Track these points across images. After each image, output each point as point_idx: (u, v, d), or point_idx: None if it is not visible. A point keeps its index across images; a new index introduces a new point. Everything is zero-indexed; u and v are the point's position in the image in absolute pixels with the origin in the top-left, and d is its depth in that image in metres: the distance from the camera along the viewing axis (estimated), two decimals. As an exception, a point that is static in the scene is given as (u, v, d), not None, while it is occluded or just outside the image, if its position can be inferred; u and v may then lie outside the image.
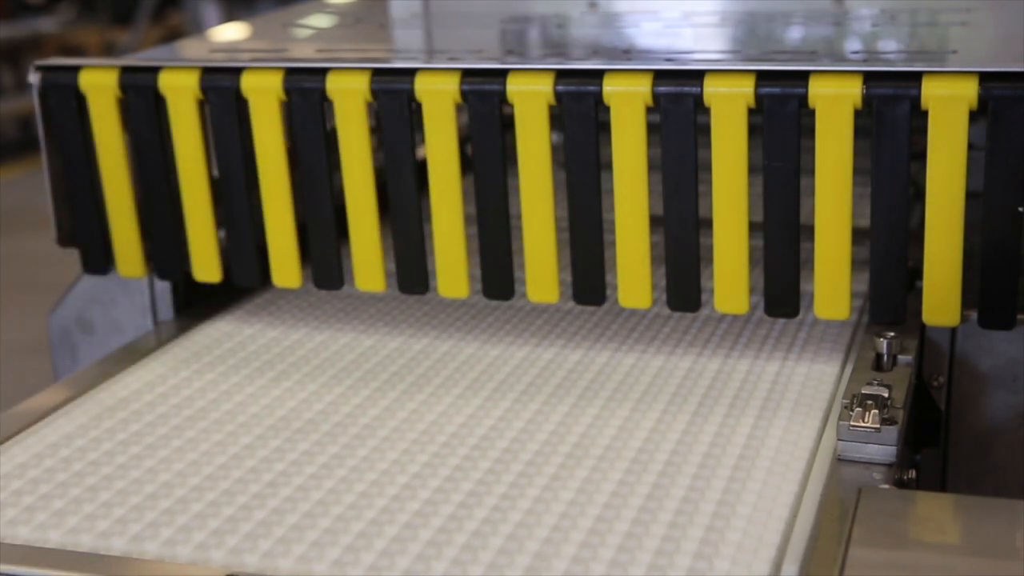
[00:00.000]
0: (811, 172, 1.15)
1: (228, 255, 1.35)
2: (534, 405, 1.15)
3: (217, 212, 1.33)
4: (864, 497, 0.91)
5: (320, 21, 1.85)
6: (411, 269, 1.29)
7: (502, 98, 1.20)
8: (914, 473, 1.06)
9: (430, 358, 1.27)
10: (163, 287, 1.41)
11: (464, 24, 1.73)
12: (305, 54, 1.45)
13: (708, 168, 1.17)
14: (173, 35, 6.58)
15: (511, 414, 1.13)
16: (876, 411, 0.99)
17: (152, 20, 7.09)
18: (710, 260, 1.20)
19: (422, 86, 1.22)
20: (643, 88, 1.16)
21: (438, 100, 1.22)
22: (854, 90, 1.12)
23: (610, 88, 1.17)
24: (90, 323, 1.43)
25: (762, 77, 1.15)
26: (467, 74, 1.21)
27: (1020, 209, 1.12)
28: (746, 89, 1.14)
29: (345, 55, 1.40)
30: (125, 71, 1.31)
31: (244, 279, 1.35)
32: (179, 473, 1.02)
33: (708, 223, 1.19)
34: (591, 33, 1.64)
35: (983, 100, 1.10)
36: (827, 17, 1.67)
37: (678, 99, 1.16)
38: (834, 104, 1.13)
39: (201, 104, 1.29)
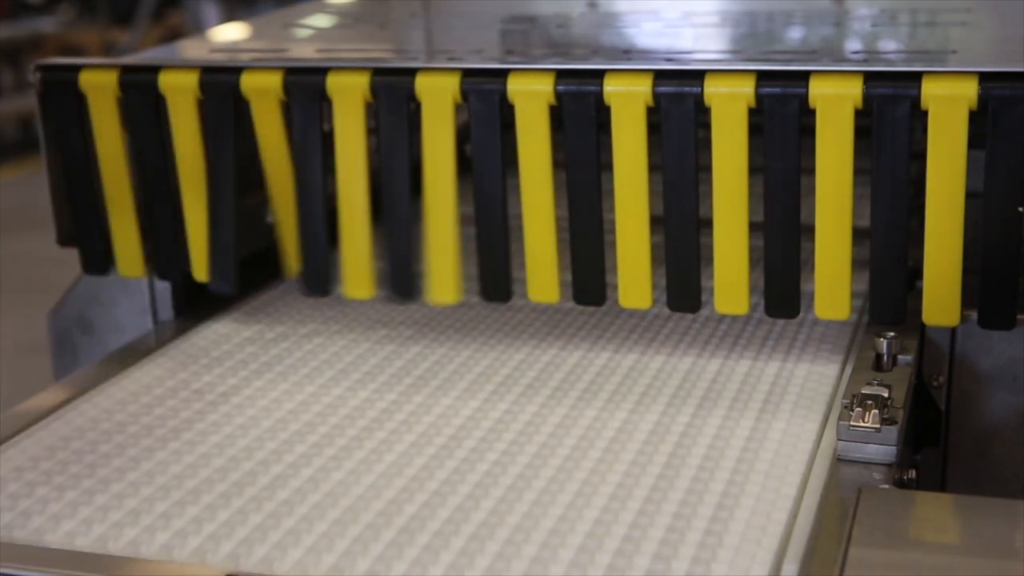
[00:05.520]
0: (811, 172, 1.16)
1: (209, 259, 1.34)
2: (533, 405, 1.15)
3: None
4: (864, 497, 0.91)
5: (320, 21, 1.85)
6: (403, 273, 1.28)
7: (502, 98, 1.20)
8: (914, 473, 1.06)
9: (429, 359, 1.27)
10: (163, 287, 1.40)
11: (464, 24, 1.73)
12: (305, 54, 1.45)
13: (708, 168, 1.17)
14: (173, 35, 6.58)
15: (510, 415, 1.13)
16: (876, 411, 0.99)
17: (152, 20, 7.09)
18: (710, 260, 1.20)
19: (422, 86, 1.22)
20: (643, 88, 1.16)
21: (438, 100, 1.22)
22: (854, 90, 1.12)
23: (610, 88, 1.17)
24: (90, 323, 1.43)
25: (762, 77, 1.15)
26: (467, 74, 1.21)
27: (1020, 209, 1.12)
28: (746, 89, 1.14)
29: (345, 55, 1.40)
30: (125, 71, 1.31)
31: (220, 285, 1.34)
32: (178, 475, 1.02)
33: (708, 223, 1.19)
34: (591, 33, 1.64)
35: (983, 100, 1.10)
36: (827, 17, 1.68)
37: (678, 99, 1.16)
38: (834, 104, 1.13)
39: (201, 104, 1.29)
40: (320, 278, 1.31)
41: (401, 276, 1.28)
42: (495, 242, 1.25)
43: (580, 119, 1.19)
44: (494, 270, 1.26)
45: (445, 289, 1.27)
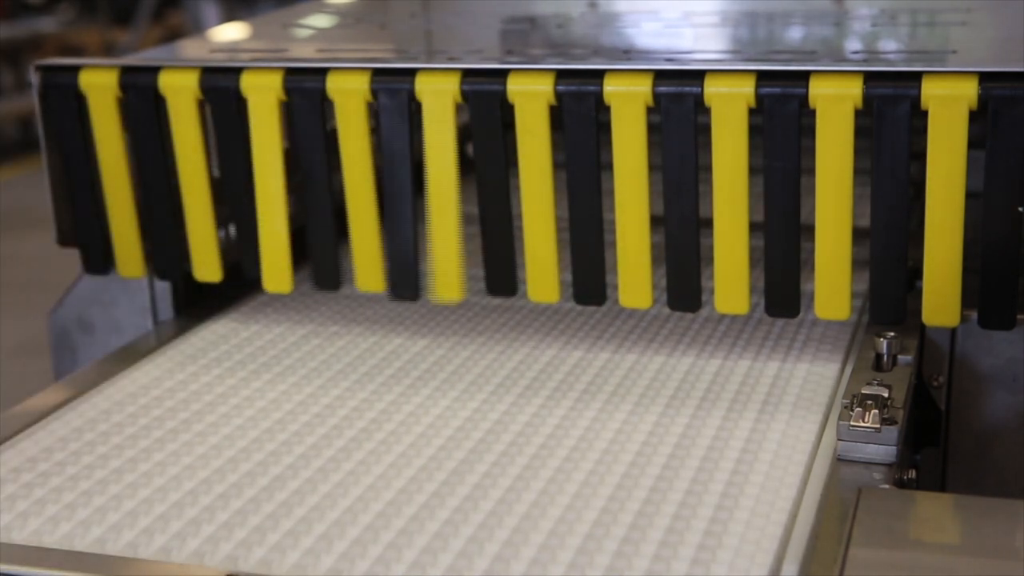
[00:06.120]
0: (811, 172, 1.15)
1: (236, 253, 1.34)
2: (533, 406, 1.14)
3: (217, 212, 1.33)
4: (864, 497, 0.91)
5: (320, 21, 1.85)
6: (404, 274, 1.28)
7: (502, 98, 1.20)
8: (914, 473, 1.06)
9: (429, 359, 1.27)
10: (163, 287, 1.40)
11: (464, 24, 1.72)
12: (305, 54, 1.45)
13: (708, 168, 1.17)
14: (173, 35, 6.59)
15: (509, 416, 1.13)
16: (876, 411, 0.99)
17: (152, 20, 7.09)
18: (710, 260, 1.20)
19: (423, 86, 1.22)
20: (643, 88, 1.16)
21: (439, 100, 1.22)
22: (854, 90, 1.12)
23: (611, 88, 1.17)
24: (90, 323, 1.43)
25: (763, 77, 1.15)
26: (467, 74, 1.21)
27: (1020, 209, 1.12)
28: (746, 89, 1.14)
29: (345, 55, 1.40)
30: (125, 71, 1.31)
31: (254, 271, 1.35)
32: (176, 477, 1.02)
33: (708, 223, 1.19)
34: (591, 33, 1.64)
35: (983, 100, 1.10)
36: (827, 17, 1.67)
37: (679, 99, 1.16)
38: (834, 104, 1.13)
39: (201, 104, 1.29)
40: (330, 273, 1.31)
41: (404, 275, 1.28)
42: (500, 239, 1.25)
43: (580, 119, 1.19)
44: (500, 266, 1.26)
45: (450, 287, 1.27)
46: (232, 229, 1.37)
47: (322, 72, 1.25)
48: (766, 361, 1.23)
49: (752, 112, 1.15)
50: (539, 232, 1.24)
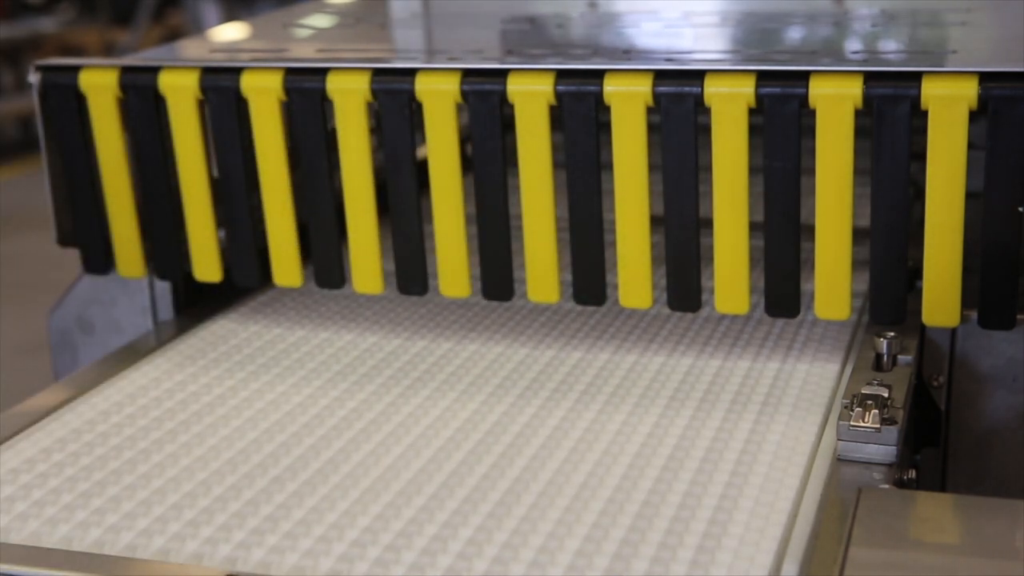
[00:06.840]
0: (811, 172, 1.15)
1: (228, 255, 1.35)
2: (533, 406, 1.14)
3: (217, 212, 1.33)
4: (864, 497, 0.91)
5: (320, 21, 1.85)
6: (410, 270, 1.29)
7: (502, 98, 1.20)
8: (914, 473, 1.05)
9: (429, 359, 1.27)
10: (163, 287, 1.40)
11: (464, 24, 1.72)
12: (305, 54, 1.45)
13: (708, 168, 1.17)
14: (173, 35, 6.59)
15: (508, 416, 1.12)
16: (876, 411, 0.99)
17: (152, 20, 7.09)
18: (710, 260, 1.20)
19: (423, 86, 1.22)
20: (643, 88, 1.16)
21: (439, 100, 1.22)
22: (854, 90, 1.12)
23: (610, 88, 1.17)
24: (90, 323, 1.43)
25: (762, 77, 1.14)
26: (467, 74, 1.21)
27: (1020, 209, 1.12)
28: (746, 89, 1.14)
29: (345, 55, 1.40)
30: (125, 71, 1.31)
31: (244, 280, 1.35)
32: (175, 478, 1.02)
33: (708, 223, 1.19)
34: (591, 33, 1.64)
35: (983, 100, 1.10)
36: (827, 17, 1.67)
37: (678, 99, 1.16)
38: (834, 104, 1.12)
39: (201, 104, 1.29)
40: (333, 271, 1.31)
41: (411, 270, 1.28)
42: (496, 241, 1.25)
43: (580, 119, 1.19)
44: (496, 269, 1.26)
45: (456, 284, 1.27)
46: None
47: (322, 72, 1.25)
48: (766, 361, 1.23)
49: (752, 112, 1.15)
50: (539, 232, 1.23)
